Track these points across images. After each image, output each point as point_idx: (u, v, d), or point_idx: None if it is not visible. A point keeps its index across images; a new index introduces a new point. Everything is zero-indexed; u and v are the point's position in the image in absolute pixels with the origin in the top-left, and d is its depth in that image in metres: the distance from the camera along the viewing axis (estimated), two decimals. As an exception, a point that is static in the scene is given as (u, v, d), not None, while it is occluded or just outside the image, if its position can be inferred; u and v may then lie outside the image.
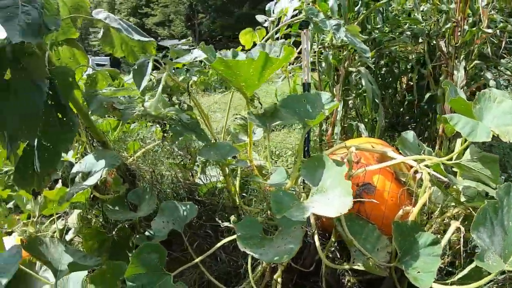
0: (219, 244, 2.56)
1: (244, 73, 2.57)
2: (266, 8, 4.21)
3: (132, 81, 2.65)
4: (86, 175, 2.86)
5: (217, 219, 2.91)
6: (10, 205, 5.90)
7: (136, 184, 3.33)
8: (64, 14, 2.93)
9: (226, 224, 2.72)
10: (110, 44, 3.27)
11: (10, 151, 2.29)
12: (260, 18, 3.59)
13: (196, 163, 3.34)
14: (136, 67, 2.65)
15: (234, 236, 2.42)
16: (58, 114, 2.30)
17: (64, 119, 2.30)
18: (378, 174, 2.68)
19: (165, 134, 2.75)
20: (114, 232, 3.28)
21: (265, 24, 3.52)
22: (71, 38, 3.19)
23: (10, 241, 3.45)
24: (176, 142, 2.80)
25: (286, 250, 2.18)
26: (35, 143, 2.23)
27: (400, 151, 2.68)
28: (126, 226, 3.33)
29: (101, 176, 2.66)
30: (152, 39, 3.00)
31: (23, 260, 3.39)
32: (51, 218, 4.87)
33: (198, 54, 2.70)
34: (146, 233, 3.05)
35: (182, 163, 3.51)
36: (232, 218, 2.55)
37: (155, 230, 2.64)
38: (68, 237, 3.91)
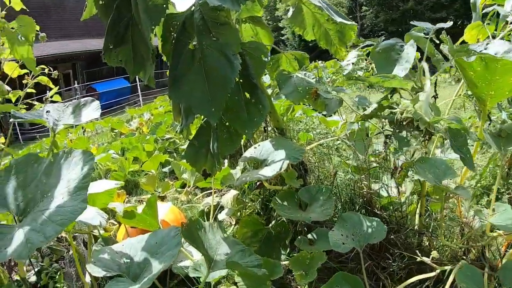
0: (409, 281, 2.14)
1: (504, 79, 2.09)
2: (472, 0, 3.63)
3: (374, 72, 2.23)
4: (261, 162, 2.61)
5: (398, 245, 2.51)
6: (166, 169, 6.00)
7: (306, 179, 3.03)
8: (250, -11, 2.71)
9: (426, 260, 2.24)
10: (300, 25, 2.96)
11: (184, 125, 2.08)
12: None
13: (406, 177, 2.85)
14: (380, 50, 2.27)
15: (426, 275, 2.01)
16: (246, 93, 2.04)
17: (253, 100, 2.03)
18: None
19: (388, 141, 2.32)
20: (272, 225, 3.01)
21: (508, 18, 2.95)
22: (256, 16, 2.95)
23: (164, 208, 3.31)
24: (399, 153, 2.33)
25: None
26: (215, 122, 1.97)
27: None
28: (286, 221, 3.05)
29: (280, 169, 2.37)
30: (354, 23, 2.63)
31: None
32: (205, 192, 4.82)
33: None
34: (309, 236, 2.75)
35: (370, 168, 3.08)
36: (434, 253, 2.11)
37: (333, 243, 2.29)
38: (220, 217, 3.76)
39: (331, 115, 2.81)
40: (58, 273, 3.15)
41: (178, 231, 2.01)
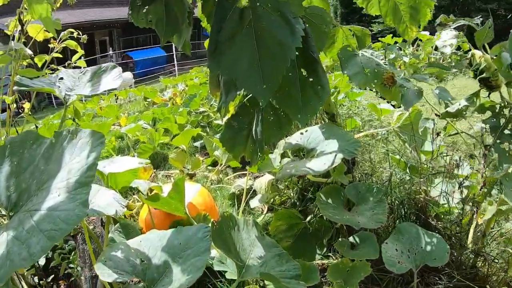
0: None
1: None
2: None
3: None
4: (307, 152, 2.25)
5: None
6: (197, 144, 5.69)
7: (353, 174, 2.65)
8: None
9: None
10: (363, -6, 2.52)
11: (224, 102, 1.71)
12: None
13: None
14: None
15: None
16: (303, 70, 1.63)
17: (311, 79, 1.63)
18: None
19: (487, 153, 1.88)
20: (309, 220, 2.71)
21: None
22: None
23: (192, 190, 2.98)
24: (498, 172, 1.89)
25: None
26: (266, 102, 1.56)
27: None
28: (325, 218, 2.70)
29: (332, 164, 1.99)
30: (433, -2, 2.20)
31: (197, 214, 2.92)
32: (237, 173, 4.51)
33: None
34: (351, 239, 2.40)
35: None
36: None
37: (386, 259, 1.94)
38: (252, 203, 3.46)
39: (400, 106, 2.35)
40: (73, 253, 2.89)
41: (208, 232, 1.65)
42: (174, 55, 25.50)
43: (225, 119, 2.00)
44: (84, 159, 1.13)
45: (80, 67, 3.48)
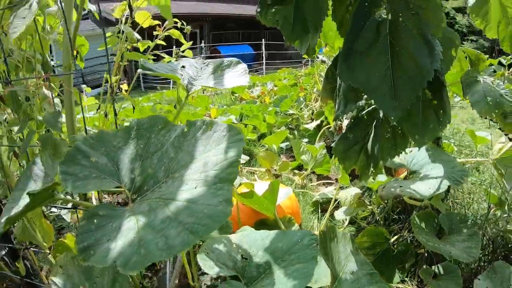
0: None
1: None
2: None
3: None
4: (411, 172, 2.21)
5: None
6: (283, 145, 5.74)
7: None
8: None
9: None
10: (483, 17, 2.33)
11: (341, 112, 1.71)
12: None
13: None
14: None
15: None
16: (427, 91, 1.59)
17: (434, 102, 1.59)
18: None
19: None
20: (394, 241, 2.68)
21: None
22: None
23: (282, 192, 2.97)
24: None
25: None
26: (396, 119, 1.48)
27: None
28: (409, 241, 2.76)
29: (438, 190, 1.99)
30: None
31: (283, 216, 2.98)
32: (322, 181, 4.52)
33: None
34: (434, 268, 2.36)
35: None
36: None
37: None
38: (337, 216, 3.42)
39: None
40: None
41: (313, 241, 1.64)
42: (263, 54, 25.68)
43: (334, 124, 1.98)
44: (222, 153, 1.12)
45: (186, 57, 3.58)
